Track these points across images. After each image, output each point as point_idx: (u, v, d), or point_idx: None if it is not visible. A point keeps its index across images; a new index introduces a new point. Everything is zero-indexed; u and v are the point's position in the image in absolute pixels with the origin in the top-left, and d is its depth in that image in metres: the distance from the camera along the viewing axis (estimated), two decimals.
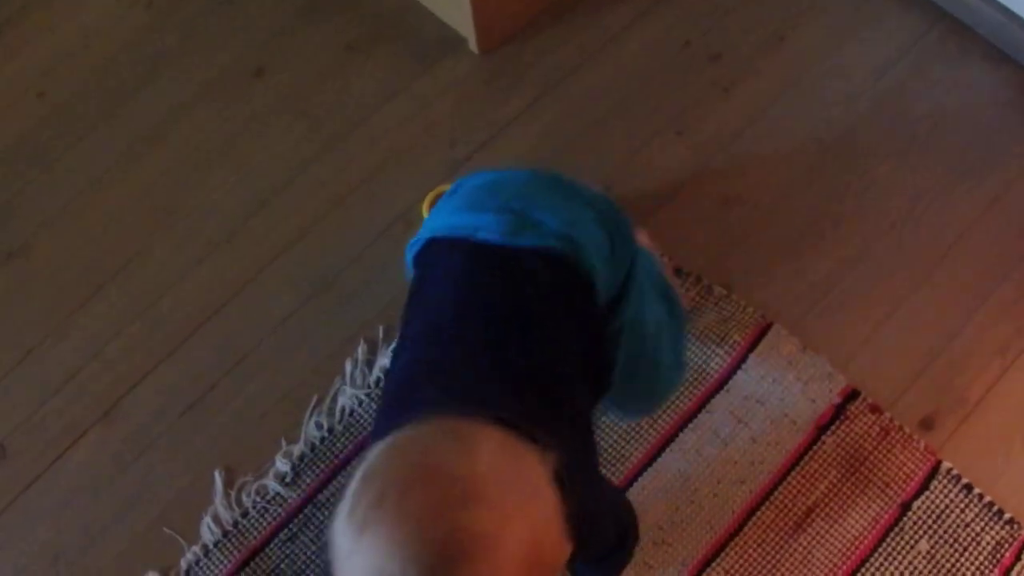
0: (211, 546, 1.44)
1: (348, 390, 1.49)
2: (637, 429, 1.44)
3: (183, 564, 1.43)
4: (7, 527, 1.47)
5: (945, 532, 1.37)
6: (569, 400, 1.08)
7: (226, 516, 1.45)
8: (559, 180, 1.23)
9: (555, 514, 0.85)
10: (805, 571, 1.36)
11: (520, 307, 1.09)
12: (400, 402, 1.06)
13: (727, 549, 1.38)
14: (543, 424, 0.92)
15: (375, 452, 0.85)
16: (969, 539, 1.36)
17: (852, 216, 1.56)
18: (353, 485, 0.83)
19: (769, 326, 1.48)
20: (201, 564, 1.43)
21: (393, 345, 1.40)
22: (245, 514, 1.45)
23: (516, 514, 0.81)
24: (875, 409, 1.43)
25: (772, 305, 1.50)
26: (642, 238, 1.36)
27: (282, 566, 1.41)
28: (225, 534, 1.44)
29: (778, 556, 1.37)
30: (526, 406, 1.00)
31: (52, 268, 1.63)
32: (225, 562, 1.42)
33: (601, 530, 1.10)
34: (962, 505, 1.38)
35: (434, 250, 1.17)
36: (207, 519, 1.45)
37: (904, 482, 1.39)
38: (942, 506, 1.38)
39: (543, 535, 0.83)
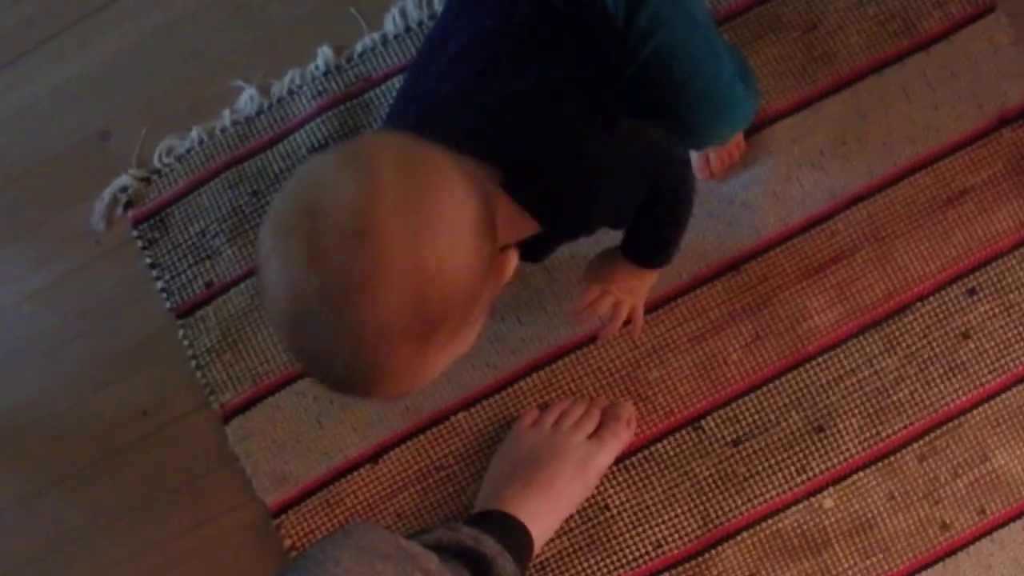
0: (391, 37, 1.48)
1: None
2: (832, 58, 1.46)
3: (358, 47, 1.49)
4: None
5: None
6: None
7: (413, 13, 1.49)
8: None
9: (469, 235, 0.87)
10: (941, 244, 1.41)
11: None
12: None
13: (878, 195, 1.43)
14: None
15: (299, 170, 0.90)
16: None
17: None
18: (277, 197, 0.89)
19: (992, 8, 1.47)
20: (376, 51, 1.48)
21: None
22: (433, 16, 1.48)
23: (403, 245, 0.83)
24: None
25: None
26: None
27: None
28: (408, 30, 1.48)
29: (921, 220, 1.42)
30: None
31: None
32: (398, 57, 1.48)
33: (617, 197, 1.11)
34: None
35: None
36: (394, 11, 1.49)
37: None
38: None
39: (442, 262, 0.85)
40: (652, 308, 1.41)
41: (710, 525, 1.40)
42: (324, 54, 1.48)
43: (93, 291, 1.49)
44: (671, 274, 1.41)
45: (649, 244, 1.24)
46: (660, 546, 1.40)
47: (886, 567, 1.37)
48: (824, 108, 1.45)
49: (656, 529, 1.40)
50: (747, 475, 1.39)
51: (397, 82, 1.48)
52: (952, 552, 1.37)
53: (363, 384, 0.88)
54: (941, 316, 1.40)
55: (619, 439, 1.37)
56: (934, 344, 1.39)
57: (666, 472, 1.41)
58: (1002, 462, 1.37)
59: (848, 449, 1.38)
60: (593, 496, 1.41)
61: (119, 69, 1.53)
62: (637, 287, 1.30)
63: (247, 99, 1.48)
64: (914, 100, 1.45)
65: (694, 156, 1.40)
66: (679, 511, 1.40)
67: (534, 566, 1.39)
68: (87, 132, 1.52)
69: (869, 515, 1.38)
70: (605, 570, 1.41)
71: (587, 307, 1.30)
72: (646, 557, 1.40)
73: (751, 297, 1.41)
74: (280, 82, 1.48)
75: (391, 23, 1.49)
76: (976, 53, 1.47)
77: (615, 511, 1.41)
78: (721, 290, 1.42)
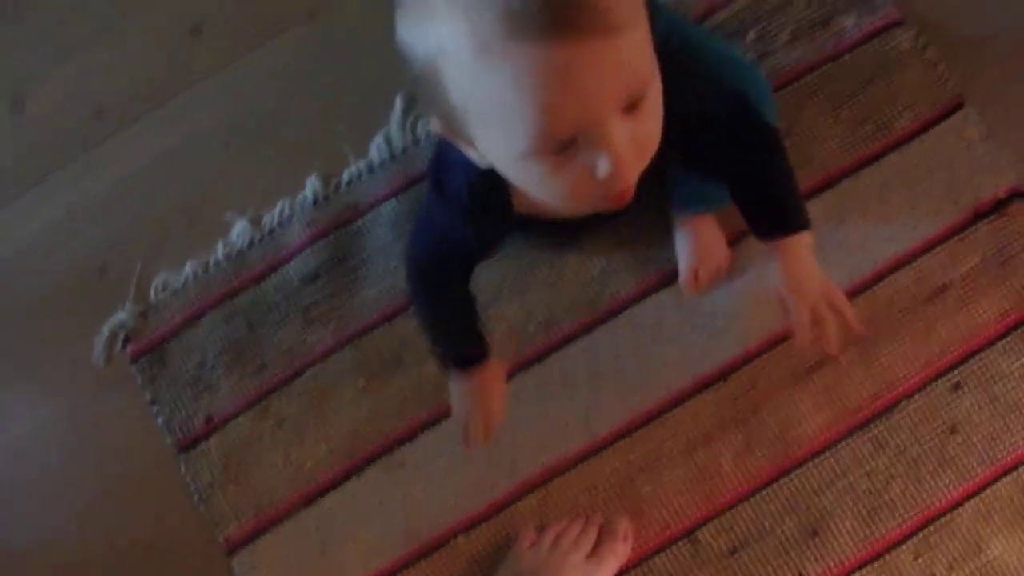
0: (376, 165, 1.53)
1: None
2: (808, 163, 1.51)
3: (345, 176, 1.54)
4: (190, 101, 1.60)
5: None
6: None
7: (398, 140, 1.53)
8: None
9: None
10: (924, 341, 1.44)
11: None
12: None
13: (860, 297, 1.46)
14: None
15: None
16: None
17: None
18: None
19: (961, 106, 1.52)
20: (363, 179, 1.53)
21: None
22: (416, 142, 1.53)
23: None
24: None
25: (972, 84, 1.53)
26: None
27: None
28: (392, 157, 1.53)
29: (904, 318, 1.45)
30: None
31: None
32: (385, 184, 1.53)
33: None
34: None
35: None
36: (379, 138, 1.54)
37: None
38: None
39: None
40: (642, 423, 1.45)
41: None
42: (313, 184, 1.53)
43: (95, 427, 1.53)
44: (660, 388, 1.45)
45: (775, 201, 1.22)
46: None
47: None
48: None
49: None
50: None
51: (384, 208, 1.52)
52: None
53: None
54: (927, 413, 1.43)
55: (617, 556, 1.40)
56: (922, 441, 1.42)
57: None
58: (997, 553, 1.40)
59: (843, 551, 1.41)
60: None
61: (113, 205, 1.58)
62: (810, 268, 1.22)
63: (239, 231, 1.53)
64: (890, 200, 1.50)
65: (682, 271, 1.45)
66: None
67: None
68: (85, 268, 1.56)
69: None
70: None
71: (811, 330, 1.21)
72: None
73: (740, 406, 1.45)
74: (271, 213, 1.52)
75: (376, 151, 1.53)
76: (948, 150, 1.51)
77: None
78: (710, 401, 1.45)
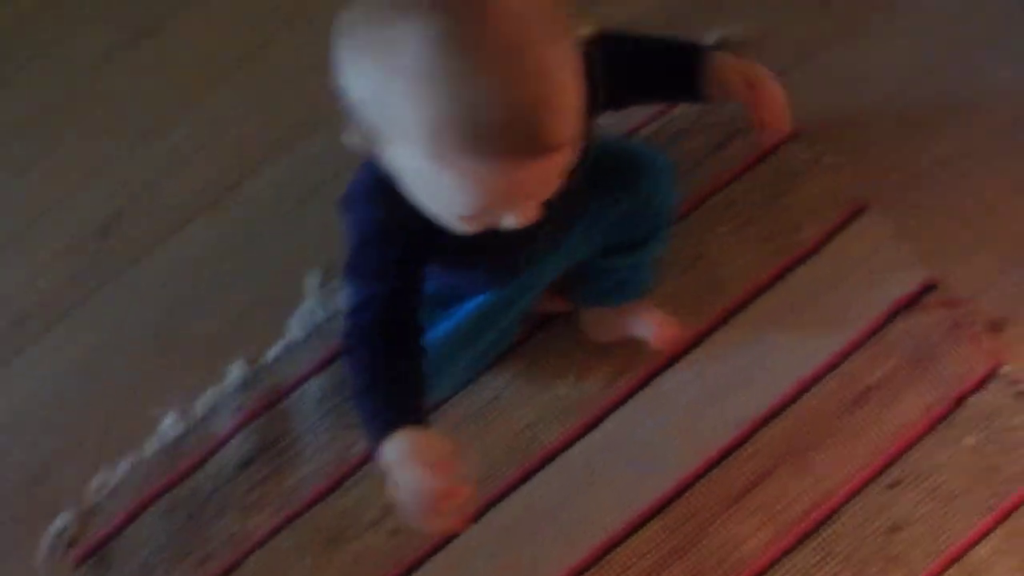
0: (297, 343, 1.57)
1: None
2: (720, 286, 1.56)
3: (270, 355, 1.58)
4: (107, 300, 1.63)
5: (993, 432, 1.47)
6: None
7: (319, 313, 1.58)
8: None
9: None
10: (855, 445, 1.47)
11: None
12: None
13: (785, 412, 1.50)
14: None
15: None
16: (1015, 442, 1.46)
17: (967, 112, 1.63)
18: None
19: (865, 208, 1.57)
20: (285, 359, 1.57)
21: None
22: (335, 316, 1.57)
23: None
24: (949, 304, 1.53)
25: (872, 185, 1.59)
26: None
27: None
28: (312, 333, 1.58)
29: (832, 427, 1.49)
30: None
31: (180, 51, 1.76)
32: (308, 360, 1.56)
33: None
34: (1014, 409, 1.47)
35: None
36: (297, 315, 1.58)
37: (963, 378, 1.49)
38: (994, 407, 1.48)
39: None
40: (585, 568, 1.47)
41: None
42: (237, 369, 1.56)
43: None
44: (599, 531, 1.47)
45: (667, 54, 1.28)
46: None
47: None
48: (719, 338, 1.54)
49: None
50: None
51: (309, 386, 1.55)
52: None
53: (543, 109, 0.89)
54: (868, 515, 1.46)
55: None
56: (867, 543, 1.44)
57: None
58: None
59: None
60: None
61: (41, 412, 1.60)
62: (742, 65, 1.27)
63: (169, 424, 1.55)
64: (804, 312, 1.54)
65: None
66: None
67: None
68: (20, 477, 1.57)
69: None
70: None
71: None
72: None
73: (681, 536, 1.46)
74: (199, 402, 1.55)
75: (295, 328, 1.57)
76: (858, 253, 1.57)
77: None
78: (651, 535, 1.47)
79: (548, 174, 0.96)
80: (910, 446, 1.48)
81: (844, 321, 1.53)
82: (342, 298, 1.49)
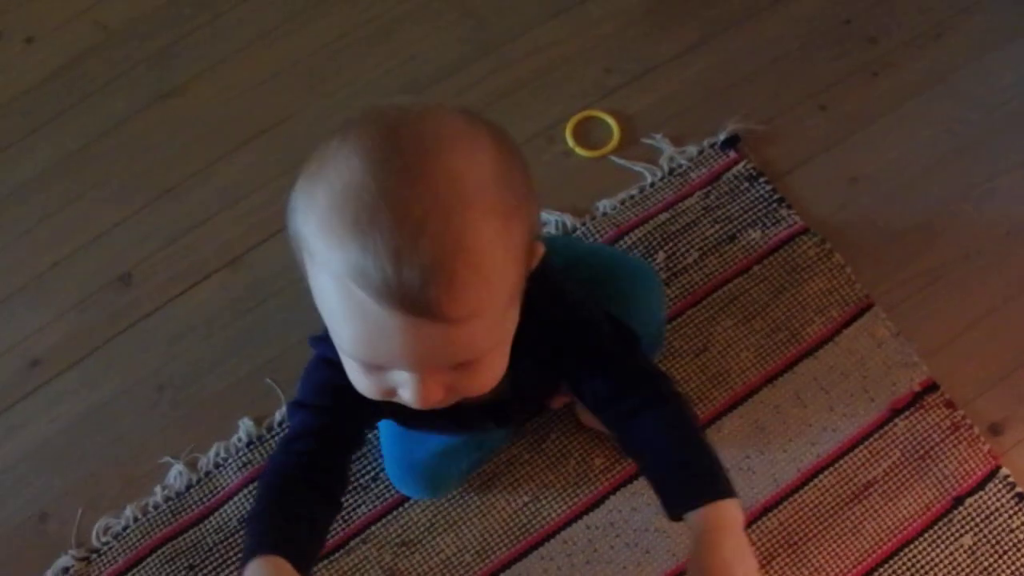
0: None
1: None
2: (725, 377, 1.59)
3: (276, 416, 1.60)
4: (121, 350, 1.67)
5: (990, 532, 1.50)
6: None
7: None
8: None
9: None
10: (853, 540, 1.50)
11: None
12: None
13: (784, 503, 1.53)
14: None
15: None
16: (1011, 544, 1.49)
17: (969, 216, 1.68)
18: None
19: (870, 306, 1.61)
20: None
21: None
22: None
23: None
24: (950, 404, 1.56)
25: (876, 284, 1.63)
26: None
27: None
28: None
29: (831, 520, 1.51)
30: None
31: (205, 113, 1.81)
32: None
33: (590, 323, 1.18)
34: (1012, 511, 1.51)
35: None
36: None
37: (962, 478, 1.52)
38: (993, 508, 1.51)
39: (512, 160, 0.93)
40: None
41: None
42: (245, 425, 1.59)
43: None
44: None
45: (682, 465, 1.12)
46: None
47: None
48: (724, 426, 1.57)
49: None
50: None
51: None
52: None
53: (442, 275, 0.85)
54: None
55: None
56: None
57: None
58: None
59: None
60: None
61: (51, 453, 1.62)
62: (737, 548, 1.05)
63: (176, 475, 1.58)
64: (808, 405, 1.57)
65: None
66: None
67: None
68: (25, 516, 1.60)
69: None
70: None
71: None
72: None
73: None
74: (206, 456, 1.58)
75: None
76: (861, 350, 1.60)
77: None
78: None
79: (446, 347, 0.91)
80: (907, 543, 1.51)
81: (846, 415, 1.57)
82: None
